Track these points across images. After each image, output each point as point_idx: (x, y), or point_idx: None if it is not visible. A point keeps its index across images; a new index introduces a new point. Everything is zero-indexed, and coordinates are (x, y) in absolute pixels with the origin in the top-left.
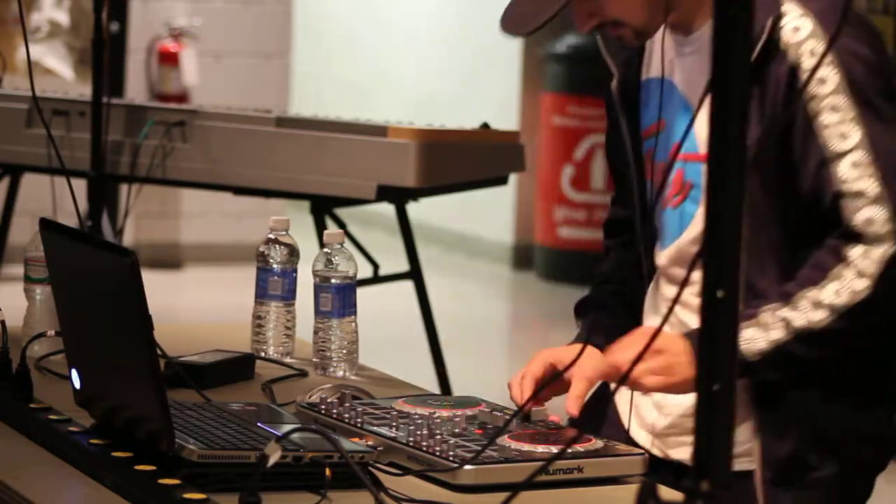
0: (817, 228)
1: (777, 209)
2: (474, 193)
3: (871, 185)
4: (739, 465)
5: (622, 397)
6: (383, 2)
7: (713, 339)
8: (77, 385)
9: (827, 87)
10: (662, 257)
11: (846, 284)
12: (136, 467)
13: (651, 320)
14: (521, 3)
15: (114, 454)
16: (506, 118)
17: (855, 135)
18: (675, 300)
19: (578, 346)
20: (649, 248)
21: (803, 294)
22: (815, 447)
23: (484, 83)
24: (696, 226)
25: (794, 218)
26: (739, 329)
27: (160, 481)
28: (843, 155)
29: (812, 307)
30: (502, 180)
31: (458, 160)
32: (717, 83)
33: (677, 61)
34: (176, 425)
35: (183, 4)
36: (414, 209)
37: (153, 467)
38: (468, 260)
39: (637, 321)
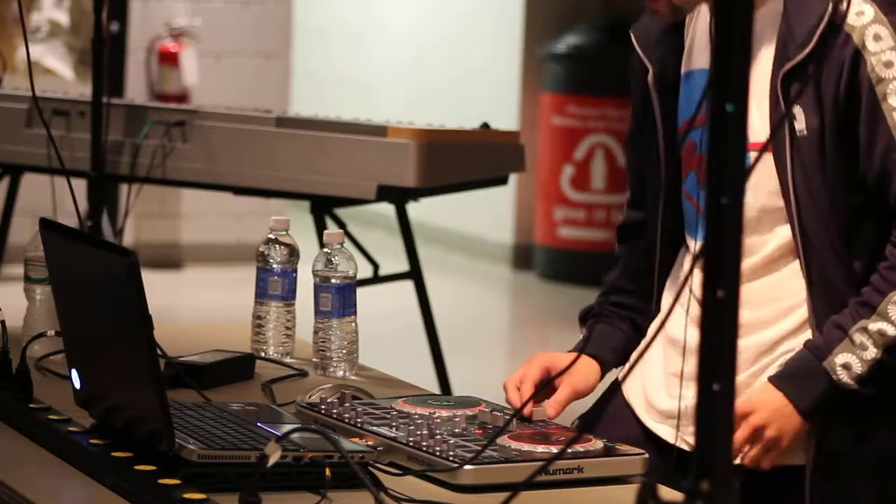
0: (881, 219)
1: (842, 201)
2: (474, 193)
3: None
4: (791, 459)
5: (635, 392)
6: (383, 1)
7: (713, 339)
8: (77, 385)
9: (894, 70)
10: (698, 247)
11: None
12: (136, 467)
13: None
14: None
15: (114, 454)
16: (506, 118)
17: None
18: (676, 299)
19: (573, 354)
20: (676, 237)
21: (889, 299)
22: (862, 442)
23: (484, 83)
24: None
25: (856, 209)
26: (832, 353)
27: (160, 481)
28: None
29: None
30: (502, 180)
31: (458, 160)
32: (717, 82)
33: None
34: (176, 425)
35: (183, 4)
36: (414, 209)
37: (153, 467)
38: (468, 260)
39: (641, 332)
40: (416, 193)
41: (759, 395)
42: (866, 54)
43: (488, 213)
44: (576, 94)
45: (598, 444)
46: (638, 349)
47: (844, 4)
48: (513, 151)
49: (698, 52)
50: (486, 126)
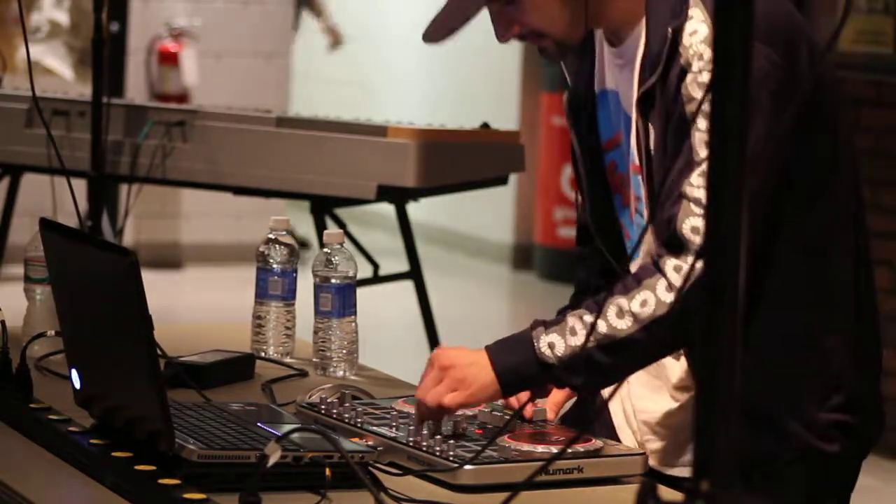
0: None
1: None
2: (474, 193)
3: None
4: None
5: (616, 415)
6: (384, 1)
7: (713, 339)
8: (77, 385)
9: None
10: (635, 267)
11: (654, 295)
12: (136, 467)
13: None
14: (441, 14)
15: (114, 454)
16: (506, 118)
17: None
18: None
19: None
20: (619, 258)
21: (613, 301)
22: (778, 442)
23: (484, 83)
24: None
25: None
26: (545, 331)
27: (160, 481)
28: (701, 163)
29: (616, 315)
30: (502, 180)
31: (458, 160)
32: (718, 83)
33: (615, 72)
34: (176, 425)
35: (183, 4)
36: (414, 209)
37: (153, 467)
38: (468, 260)
39: None
40: (416, 193)
41: (469, 353)
42: (689, 75)
43: (488, 213)
44: None
45: (598, 444)
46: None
47: (687, 23)
48: (513, 151)
49: (609, 72)
50: (486, 126)
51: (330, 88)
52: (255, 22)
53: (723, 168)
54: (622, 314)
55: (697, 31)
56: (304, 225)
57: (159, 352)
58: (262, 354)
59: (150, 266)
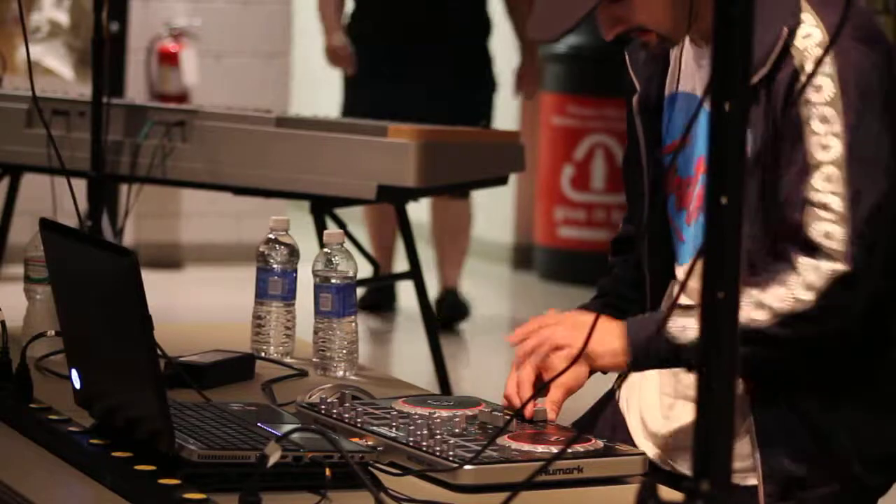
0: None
1: (769, 218)
2: (474, 193)
3: (836, 202)
4: (743, 479)
5: (632, 410)
6: None
7: (713, 339)
8: (77, 385)
9: (822, 95)
10: (682, 272)
11: (791, 292)
12: (136, 467)
13: None
14: (547, 8)
15: (114, 454)
16: (506, 118)
17: (836, 148)
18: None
19: None
20: (666, 262)
21: (748, 292)
22: (815, 463)
23: None
24: None
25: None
26: (683, 314)
27: (160, 481)
28: (819, 166)
29: (754, 306)
30: (502, 180)
31: (458, 160)
32: (717, 86)
33: (698, 74)
34: (176, 425)
35: (183, 4)
36: (414, 209)
37: (153, 467)
38: (468, 260)
39: None
40: (416, 193)
41: (605, 321)
42: (802, 76)
43: (488, 213)
44: (576, 94)
45: (598, 444)
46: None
47: (799, 28)
48: (513, 151)
49: (684, 75)
50: (486, 126)
51: (329, 88)
52: (255, 22)
53: (723, 168)
54: (760, 306)
55: (811, 35)
56: (304, 225)
57: (159, 352)
58: (262, 354)
59: (150, 266)
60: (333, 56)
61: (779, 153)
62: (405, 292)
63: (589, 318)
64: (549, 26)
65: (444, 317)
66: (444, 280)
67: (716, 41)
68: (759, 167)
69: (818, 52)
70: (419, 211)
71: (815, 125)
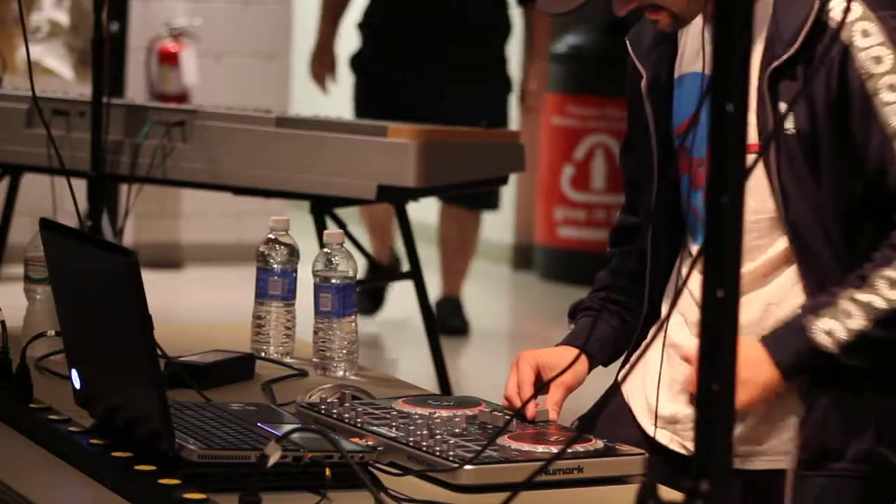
0: (881, 213)
1: (837, 199)
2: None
3: None
4: (776, 463)
5: (636, 396)
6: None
7: (713, 339)
8: (77, 385)
9: (883, 65)
10: (696, 250)
11: None
12: (136, 467)
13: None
14: None
15: (114, 454)
16: None
17: None
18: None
19: (560, 349)
20: (673, 243)
21: (880, 274)
22: (853, 438)
23: None
24: None
25: (853, 207)
26: (818, 317)
27: (160, 481)
28: None
29: (889, 287)
30: (502, 180)
31: (458, 160)
32: (717, 82)
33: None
34: (176, 425)
35: (183, 4)
36: (414, 209)
37: (153, 467)
38: None
39: (630, 329)
40: (416, 193)
41: (742, 349)
42: (854, 51)
43: (488, 213)
44: (576, 94)
45: (598, 444)
46: (638, 350)
47: (832, 2)
48: (513, 151)
49: (690, 56)
50: (486, 126)
51: (329, 88)
52: (255, 22)
53: (723, 168)
54: (895, 285)
55: (852, 10)
56: (304, 225)
57: (159, 352)
58: (262, 354)
59: (150, 266)
60: (316, 70)
61: (840, 131)
62: (405, 292)
63: (754, 352)
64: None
65: (441, 326)
66: (446, 286)
67: (716, 41)
68: (809, 145)
69: (865, 24)
70: (427, 211)
71: (885, 95)
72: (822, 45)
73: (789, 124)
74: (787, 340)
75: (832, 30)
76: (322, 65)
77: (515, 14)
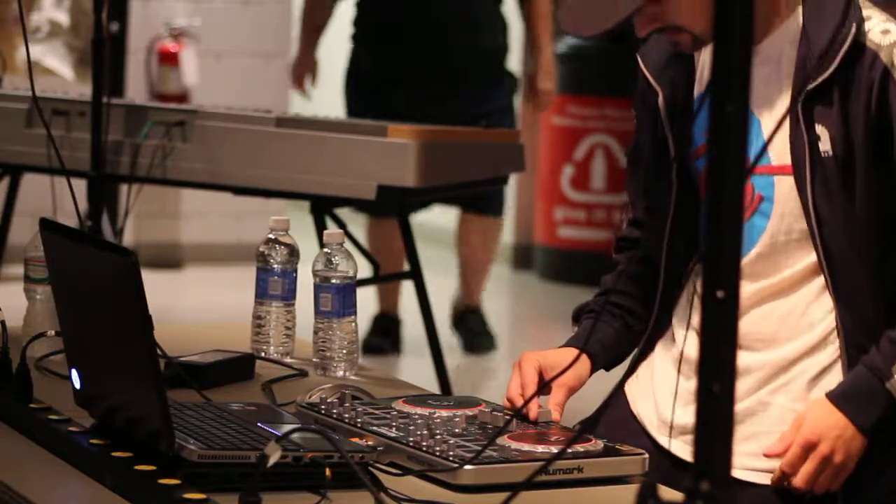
0: None
1: (871, 221)
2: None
3: None
4: None
5: (643, 401)
6: None
7: (713, 340)
8: (77, 385)
9: None
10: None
11: None
12: (136, 467)
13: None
14: (578, 3)
15: (114, 454)
16: None
17: None
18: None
19: (563, 350)
20: (686, 261)
21: None
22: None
23: None
24: (767, 239)
25: (888, 230)
26: (891, 368)
27: (160, 481)
28: None
29: None
30: (502, 180)
31: (458, 160)
32: (717, 84)
33: None
34: (176, 425)
35: (183, 4)
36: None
37: (153, 467)
38: None
39: (633, 333)
40: (416, 193)
41: (821, 421)
42: (894, 71)
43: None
44: (576, 94)
45: (598, 444)
46: (639, 354)
47: (867, 24)
48: (513, 151)
49: (704, 76)
50: (486, 126)
51: (330, 88)
52: (255, 22)
53: (723, 168)
54: None
55: (890, 31)
56: (304, 225)
57: (159, 352)
58: (262, 354)
59: (150, 266)
60: (297, 75)
61: (878, 154)
62: (405, 292)
63: (832, 418)
64: (588, 22)
65: (467, 342)
66: (465, 297)
67: (716, 41)
68: (845, 167)
69: None
70: (445, 216)
71: None
72: (862, 67)
73: (826, 146)
74: (868, 402)
75: (871, 52)
76: (302, 67)
77: (515, 15)
